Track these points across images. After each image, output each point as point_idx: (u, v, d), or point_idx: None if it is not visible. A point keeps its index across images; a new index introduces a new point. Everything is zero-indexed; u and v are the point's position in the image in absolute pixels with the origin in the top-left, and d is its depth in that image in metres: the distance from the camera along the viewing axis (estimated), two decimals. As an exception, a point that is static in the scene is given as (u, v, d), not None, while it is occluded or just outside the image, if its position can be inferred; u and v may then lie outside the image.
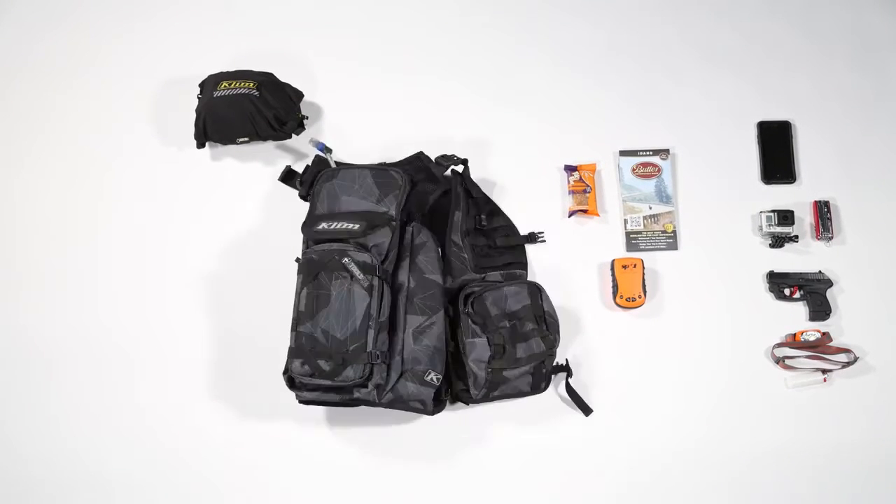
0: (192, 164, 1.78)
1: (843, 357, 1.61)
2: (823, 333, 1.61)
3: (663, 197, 1.75)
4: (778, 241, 1.68)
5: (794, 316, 1.66)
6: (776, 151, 1.77)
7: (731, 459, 1.58)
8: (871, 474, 1.57)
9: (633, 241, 1.72)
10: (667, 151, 1.77)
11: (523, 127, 1.81)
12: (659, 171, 1.76)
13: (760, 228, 1.69)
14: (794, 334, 1.62)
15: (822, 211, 1.69)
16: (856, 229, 1.73)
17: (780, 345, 1.63)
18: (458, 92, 1.83)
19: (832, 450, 1.58)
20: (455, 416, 1.59)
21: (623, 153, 1.78)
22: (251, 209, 1.73)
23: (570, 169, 1.76)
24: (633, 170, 1.76)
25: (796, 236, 1.68)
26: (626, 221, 1.74)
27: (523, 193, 1.75)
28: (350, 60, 1.86)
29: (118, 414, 1.61)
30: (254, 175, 1.77)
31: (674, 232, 1.72)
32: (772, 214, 1.68)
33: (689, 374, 1.63)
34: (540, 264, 1.70)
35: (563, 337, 1.62)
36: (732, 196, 1.75)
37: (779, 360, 1.61)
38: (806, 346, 1.61)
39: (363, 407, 1.48)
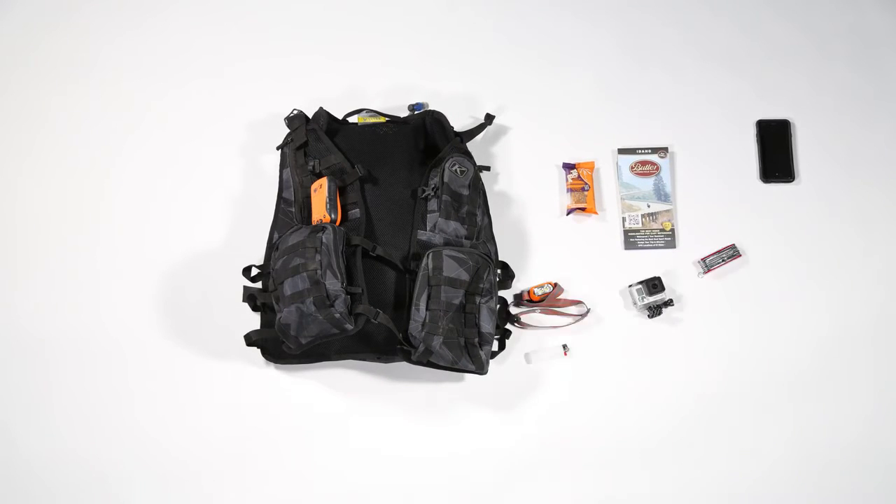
0: (194, 164, 1.78)
1: (574, 309, 1.64)
2: (554, 285, 1.63)
3: (661, 195, 1.75)
4: (656, 311, 1.65)
5: (792, 312, 1.67)
6: (775, 150, 1.77)
7: (722, 455, 1.60)
8: (869, 471, 1.59)
9: (630, 239, 1.72)
10: (665, 149, 1.77)
11: (522, 125, 1.81)
12: (657, 169, 1.76)
13: (635, 304, 1.66)
14: (529, 290, 1.64)
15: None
16: (854, 226, 1.73)
17: (515, 303, 1.66)
18: (455, 91, 1.83)
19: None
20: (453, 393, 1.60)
21: (621, 151, 1.78)
22: (253, 208, 1.73)
23: (569, 167, 1.76)
24: (632, 168, 1.76)
25: (671, 300, 1.65)
26: (624, 219, 1.74)
27: (522, 191, 1.76)
28: (345, 61, 1.86)
29: (118, 413, 1.62)
30: (256, 174, 1.77)
31: (672, 230, 1.72)
32: (641, 287, 1.66)
33: (693, 371, 1.64)
34: (537, 262, 1.70)
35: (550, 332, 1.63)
36: (731, 194, 1.75)
37: (515, 320, 1.63)
38: (540, 300, 1.62)
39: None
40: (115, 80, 1.85)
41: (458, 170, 1.59)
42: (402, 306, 1.53)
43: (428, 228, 1.58)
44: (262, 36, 1.88)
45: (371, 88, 1.83)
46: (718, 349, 1.65)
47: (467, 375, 1.60)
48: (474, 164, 1.64)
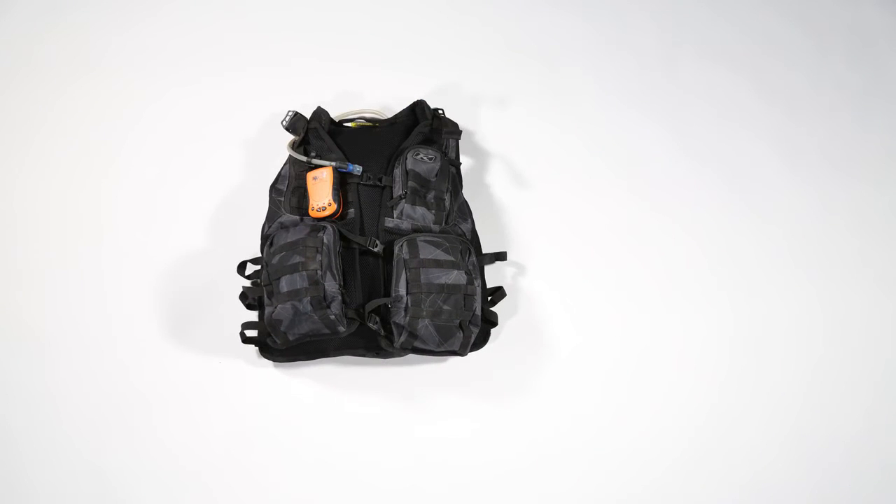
0: (193, 163, 1.78)
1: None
2: None
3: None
4: None
5: (789, 312, 1.67)
6: None
7: (721, 454, 1.60)
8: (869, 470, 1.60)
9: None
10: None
11: (519, 125, 1.82)
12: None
13: None
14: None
15: None
16: (851, 224, 1.74)
17: None
18: (451, 90, 1.84)
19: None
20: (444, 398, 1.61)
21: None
22: (253, 207, 1.73)
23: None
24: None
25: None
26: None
27: (520, 189, 1.77)
28: (347, 62, 1.87)
29: (118, 411, 1.61)
30: (255, 173, 1.77)
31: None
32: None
33: (690, 370, 1.64)
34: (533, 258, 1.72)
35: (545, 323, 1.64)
36: (727, 192, 1.76)
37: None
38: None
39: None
40: (115, 79, 1.85)
41: (423, 157, 1.58)
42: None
43: (395, 216, 1.57)
44: (261, 37, 1.89)
45: (370, 87, 1.84)
46: (716, 348, 1.66)
47: (470, 371, 1.59)
48: (441, 152, 1.63)
